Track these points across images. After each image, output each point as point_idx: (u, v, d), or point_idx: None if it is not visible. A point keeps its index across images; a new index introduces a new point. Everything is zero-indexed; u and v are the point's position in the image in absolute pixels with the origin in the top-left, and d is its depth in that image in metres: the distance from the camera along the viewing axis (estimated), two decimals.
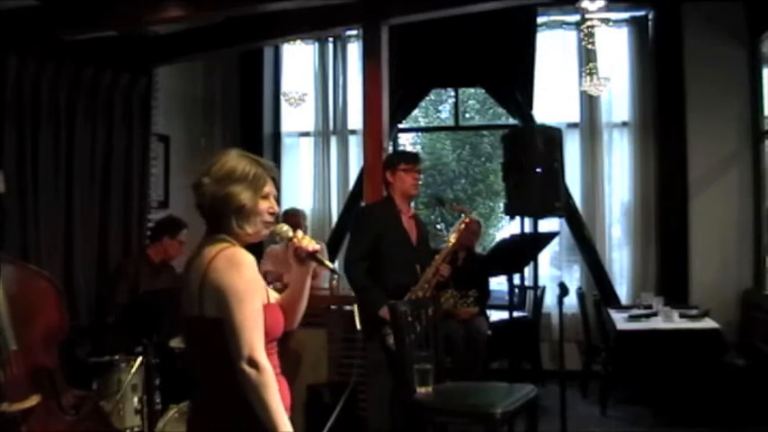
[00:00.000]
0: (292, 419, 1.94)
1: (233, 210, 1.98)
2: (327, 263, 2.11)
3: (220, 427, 1.94)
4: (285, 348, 4.51)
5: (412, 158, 4.12)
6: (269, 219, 2.04)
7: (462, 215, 4.19)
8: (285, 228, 2.10)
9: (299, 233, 2.10)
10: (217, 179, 1.99)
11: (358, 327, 1.82)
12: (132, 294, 4.33)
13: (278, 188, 2.10)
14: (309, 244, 2.07)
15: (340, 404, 2.08)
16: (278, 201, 2.09)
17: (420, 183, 4.14)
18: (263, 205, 2.02)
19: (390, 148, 5.52)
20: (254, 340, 1.88)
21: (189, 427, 2.10)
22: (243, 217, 1.99)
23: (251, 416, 1.87)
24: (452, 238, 4.10)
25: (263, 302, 1.96)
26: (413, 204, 4.32)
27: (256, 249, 6.62)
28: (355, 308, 1.81)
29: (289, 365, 4.15)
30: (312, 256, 2.07)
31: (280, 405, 1.88)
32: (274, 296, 2.13)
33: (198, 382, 2.04)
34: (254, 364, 1.86)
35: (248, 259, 1.95)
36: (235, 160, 2.02)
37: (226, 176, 1.98)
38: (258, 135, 6.94)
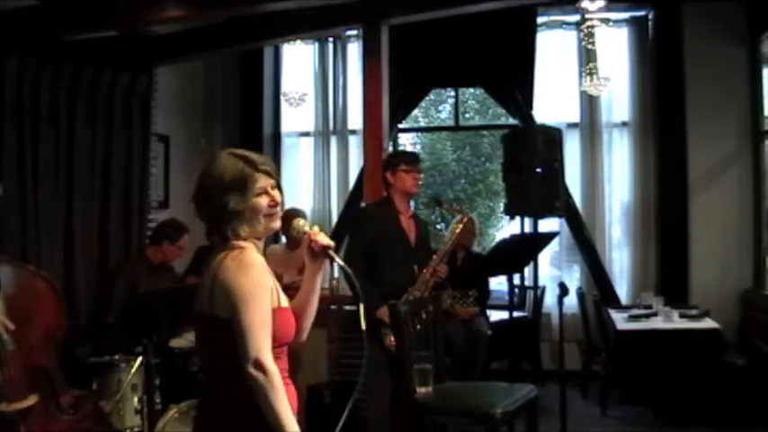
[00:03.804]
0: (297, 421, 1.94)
1: (227, 218, 1.96)
2: (338, 259, 2.09)
3: (229, 429, 1.94)
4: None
5: (412, 159, 4.12)
6: (272, 211, 2.02)
7: (459, 216, 4.19)
8: (302, 222, 2.11)
9: (315, 228, 2.09)
10: (205, 192, 1.98)
11: (363, 326, 1.81)
12: (131, 294, 4.33)
13: (278, 175, 2.07)
14: (324, 239, 2.06)
15: (349, 405, 2.05)
16: (279, 188, 2.06)
17: (420, 182, 4.14)
18: (262, 202, 1.99)
19: (390, 148, 5.52)
20: (261, 343, 1.86)
21: (197, 427, 2.09)
22: (241, 221, 1.97)
23: (259, 417, 1.86)
24: (449, 239, 4.10)
25: (273, 305, 1.94)
26: (412, 204, 4.32)
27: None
28: (361, 307, 1.79)
29: (288, 365, 4.17)
30: (325, 251, 2.06)
31: (287, 408, 1.87)
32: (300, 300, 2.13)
33: (207, 380, 2.04)
34: (260, 366, 1.84)
35: (257, 261, 1.94)
36: (219, 167, 1.99)
37: (213, 187, 1.97)
38: (258, 135, 6.93)
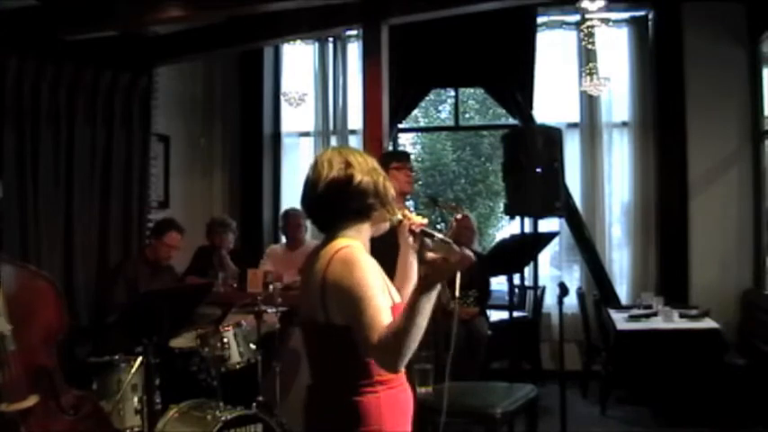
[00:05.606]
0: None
1: (360, 216, 1.95)
2: (438, 234, 1.98)
3: None
4: (285, 348, 4.51)
5: (402, 156, 4.10)
6: None
7: (455, 213, 4.19)
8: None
9: (407, 212, 2.06)
10: (367, 171, 1.94)
11: (456, 294, 1.83)
12: (131, 294, 4.33)
13: None
14: (419, 219, 2.03)
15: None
16: None
17: (417, 181, 4.14)
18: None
19: (390, 148, 5.52)
20: (383, 326, 1.75)
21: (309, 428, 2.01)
22: (369, 219, 1.98)
23: (374, 427, 1.84)
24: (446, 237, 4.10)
25: (389, 303, 1.86)
26: (411, 205, 4.32)
27: (256, 250, 6.55)
28: (457, 275, 1.82)
29: (289, 365, 4.16)
30: (424, 231, 1.99)
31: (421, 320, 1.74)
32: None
33: (316, 393, 1.97)
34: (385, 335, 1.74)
35: (363, 256, 1.88)
36: (355, 152, 2.00)
37: (373, 167, 1.96)
38: (258, 135, 6.93)
